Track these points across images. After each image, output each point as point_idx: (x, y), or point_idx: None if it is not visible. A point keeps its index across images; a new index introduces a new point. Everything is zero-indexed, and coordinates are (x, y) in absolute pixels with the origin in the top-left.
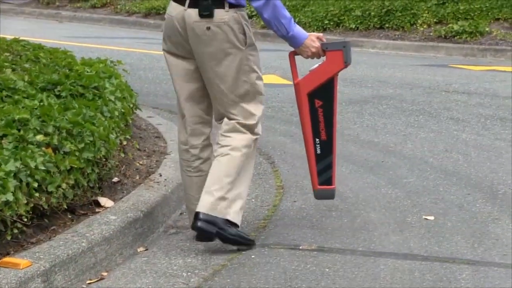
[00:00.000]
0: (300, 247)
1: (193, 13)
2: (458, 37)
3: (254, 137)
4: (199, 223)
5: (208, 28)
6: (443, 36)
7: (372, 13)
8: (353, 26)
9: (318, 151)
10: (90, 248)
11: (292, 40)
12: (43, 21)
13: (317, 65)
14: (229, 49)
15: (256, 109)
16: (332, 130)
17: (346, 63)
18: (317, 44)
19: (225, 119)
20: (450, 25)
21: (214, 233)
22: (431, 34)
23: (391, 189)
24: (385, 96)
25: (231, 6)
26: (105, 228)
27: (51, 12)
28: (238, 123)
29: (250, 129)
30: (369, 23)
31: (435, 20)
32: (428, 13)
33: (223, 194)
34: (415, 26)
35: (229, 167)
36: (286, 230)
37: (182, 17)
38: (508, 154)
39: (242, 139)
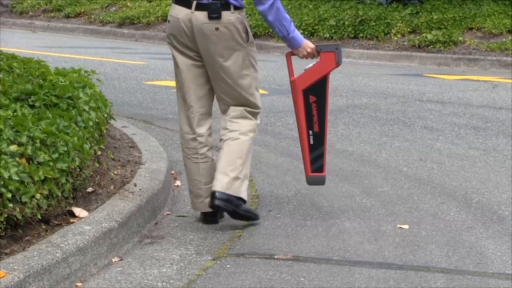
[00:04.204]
0: (275, 257)
1: (201, 15)
2: (431, 46)
3: (258, 122)
4: (217, 202)
5: (217, 29)
6: (417, 45)
7: (346, 23)
8: (328, 36)
9: (311, 142)
10: (64, 259)
11: (292, 41)
12: (16, 31)
13: (311, 64)
14: (234, 46)
15: (256, 98)
16: (324, 123)
17: (337, 63)
18: (312, 45)
19: (232, 107)
20: (424, 34)
21: (231, 211)
22: (405, 43)
23: (366, 198)
24: (359, 105)
25: (236, 8)
26: (80, 238)
27: (24, 22)
28: (246, 109)
29: (255, 116)
30: (343, 32)
31: (409, 29)
32: (402, 22)
33: (237, 174)
34: (389, 35)
35: (240, 150)
36: (261, 239)
37: (189, 19)
38: (482, 163)
39: (248, 124)
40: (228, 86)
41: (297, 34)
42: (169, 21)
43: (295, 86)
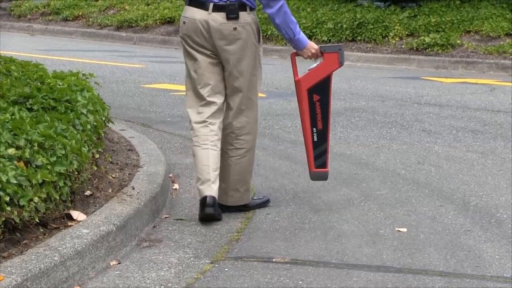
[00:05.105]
0: (274, 260)
1: (219, 16)
2: (429, 49)
3: (256, 128)
4: (223, 211)
5: (235, 29)
6: (414, 48)
7: (344, 26)
8: (325, 39)
9: (315, 139)
10: (62, 262)
11: (297, 43)
12: (14, 34)
13: (315, 64)
14: (249, 46)
15: (256, 98)
16: (327, 120)
17: (341, 63)
18: (316, 46)
19: (237, 122)
20: (422, 37)
21: (236, 210)
22: (403, 46)
23: (364, 201)
24: (357, 108)
25: (251, 9)
26: (78, 241)
27: (22, 25)
28: (248, 123)
29: (256, 120)
30: (341, 35)
31: (406, 32)
32: (399, 25)
33: (247, 186)
34: (387, 38)
35: (248, 165)
36: (259, 242)
37: (206, 20)
38: (480, 166)
39: (252, 139)
40: (238, 85)
41: (302, 35)
42: (184, 23)
43: (299, 85)
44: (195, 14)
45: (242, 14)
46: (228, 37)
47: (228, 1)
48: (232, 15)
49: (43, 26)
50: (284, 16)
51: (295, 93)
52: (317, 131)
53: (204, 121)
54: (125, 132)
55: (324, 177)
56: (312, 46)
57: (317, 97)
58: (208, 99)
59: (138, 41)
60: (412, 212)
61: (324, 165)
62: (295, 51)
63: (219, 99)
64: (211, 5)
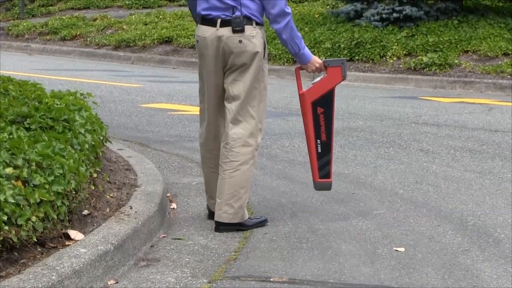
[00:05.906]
0: (271, 279)
1: (226, 31)
2: (427, 69)
3: (256, 147)
4: (222, 230)
5: (240, 41)
6: (412, 68)
7: (342, 45)
8: (323, 58)
9: (319, 150)
10: (60, 282)
11: (302, 57)
12: (12, 54)
13: (318, 78)
14: (253, 59)
15: (257, 113)
16: (331, 132)
17: (343, 77)
18: (320, 61)
19: (232, 132)
20: (420, 57)
21: (235, 229)
22: (401, 66)
23: (362, 221)
24: (355, 128)
25: (257, 23)
26: (75, 261)
27: (20, 45)
28: (244, 135)
29: (250, 134)
30: (339, 55)
31: (404, 52)
32: (397, 45)
33: (241, 204)
34: (384, 58)
35: (242, 180)
36: (257, 262)
37: (216, 36)
38: (477, 185)
39: (247, 152)
40: (238, 96)
41: (307, 50)
42: (197, 41)
43: (304, 98)
44: (205, 32)
45: (247, 28)
46: (234, 49)
47: (234, 15)
48: (237, 28)
49: (41, 46)
50: (291, 31)
51: (291, 112)
52: (321, 142)
53: (203, 143)
54: (123, 151)
55: (328, 187)
56: (316, 60)
57: (321, 110)
58: (211, 121)
59: (136, 60)
60: (409, 231)
61: (328, 175)
62: (299, 65)
63: (220, 122)
64: (219, 21)
